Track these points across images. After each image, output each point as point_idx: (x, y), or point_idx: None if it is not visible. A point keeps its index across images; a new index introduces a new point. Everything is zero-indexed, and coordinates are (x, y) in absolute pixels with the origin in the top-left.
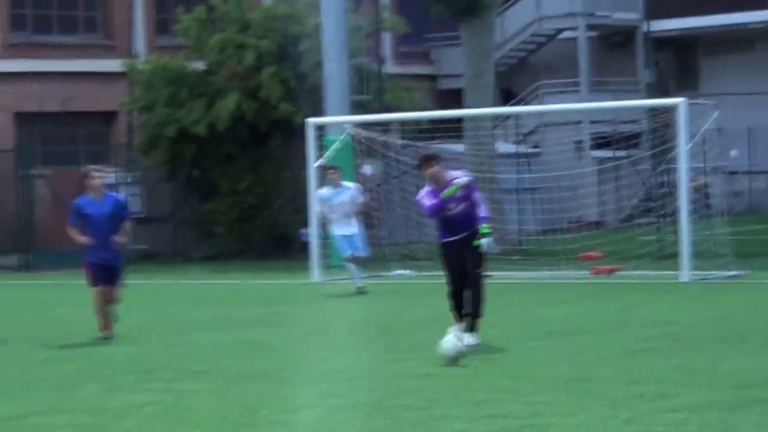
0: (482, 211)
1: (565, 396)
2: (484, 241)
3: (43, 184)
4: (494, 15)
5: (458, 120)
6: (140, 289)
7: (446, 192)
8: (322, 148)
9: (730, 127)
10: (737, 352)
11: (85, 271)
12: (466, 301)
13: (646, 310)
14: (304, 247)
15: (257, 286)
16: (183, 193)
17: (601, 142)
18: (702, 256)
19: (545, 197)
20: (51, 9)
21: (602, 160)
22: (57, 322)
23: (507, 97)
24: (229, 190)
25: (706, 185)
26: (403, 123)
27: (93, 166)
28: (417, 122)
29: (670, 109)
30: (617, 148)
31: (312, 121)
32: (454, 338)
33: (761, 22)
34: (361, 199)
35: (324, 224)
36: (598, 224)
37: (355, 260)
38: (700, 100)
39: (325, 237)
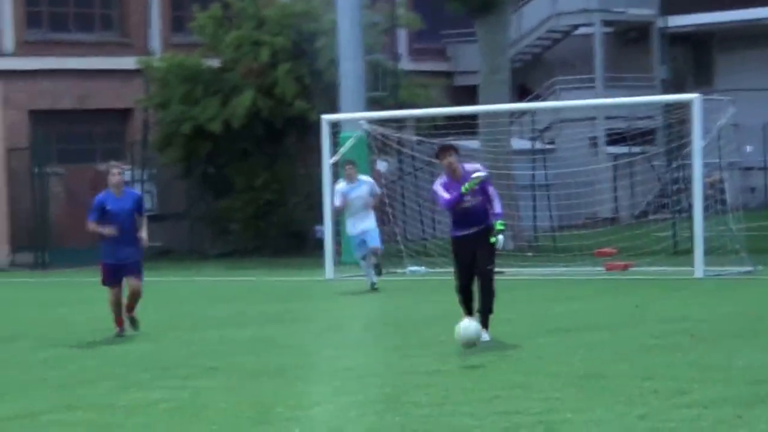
0: (497, 206)
1: (578, 392)
2: (499, 238)
3: (58, 182)
4: (510, 11)
5: (473, 116)
6: (155, 286)
7: (466, 186)
8: (336, 145)
9: (745, 123)
10: (752, 347)
11: (101, 270)
12: (476, 297)
13: (660, 306)
14: (318, 244)
15: (272, 283)
16: (198, 191)
17: (616, 138)
18: (716, 252)
19: (560, 193)
20: (67, 6)
21: (617, 156)
22: (71, 320)
23: (522, 93)
24: (244, 187)
25: (721, 181)
26: (418, 119)
27: (113, 162)
28: (432, 119)
29: (685, 105)
30: (632, 144)
31: (327, 117)
32: (470, 322)
33: None
34: (377, 191)
35: (339, 219)
36: (612, 220)
37: (371, 256)
38: (715, 96)
39: (340, 234)
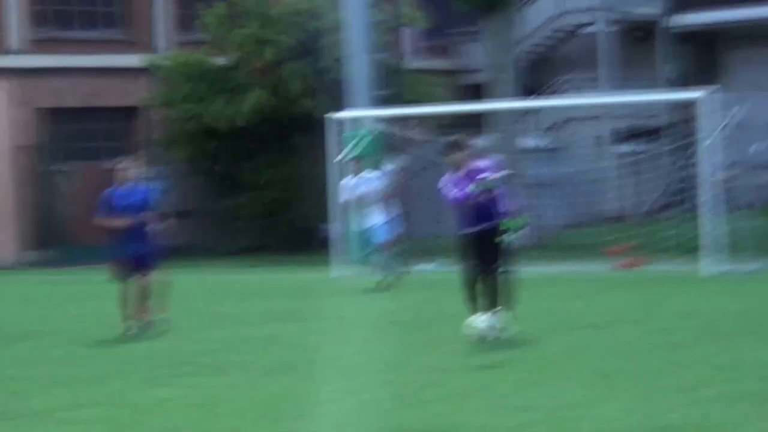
0: (508, 204)
1: (590, 389)
2: (512, 236)
3: (65, 180)
4: (516, 9)
5: (480, 114)
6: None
7: (476, 185)
8: (343, 143)
9: (752, 121)
10: (762, 344)
11: (113, 266)
12: (486, 294)
13: (669, 303)
14: (326, 241)
15: (280, 281)
16: (205, 189)
17: (623, 136)
18: (724, 249)
19: (567, 191)
20: (72, 5)
21: (624, 155)
22: (82, 318)
23: (528, 91)
24: (250, 185)
25: (728, 179)
26: (425, 118)
27: (124, 157)
28: (438, 117)
29: (691, 103)
30: (639, 142)
31: (333, 116)
32: (485, 317)
33: None
34: (389, 183)
35: (348, 216)
36: (620, 218)
37: (386, 248)
38: (721, 94)
39: (348, 231)
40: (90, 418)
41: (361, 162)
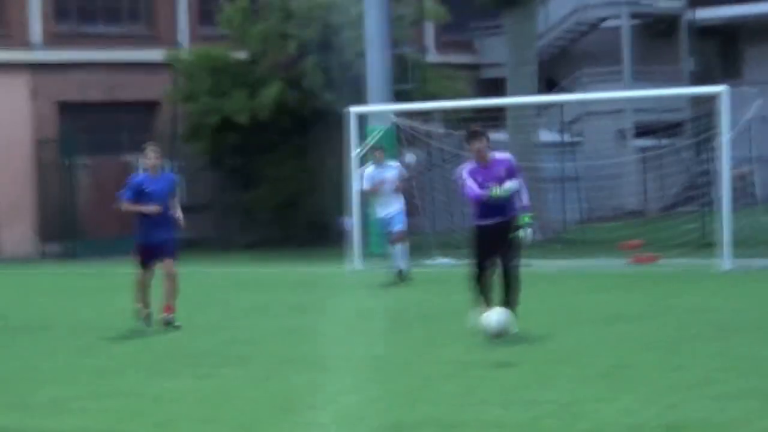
0: (523, 198)
1: (605, 383)
2: (526, 232)
3: (86, 174)
4: (537, 3)
5: (500, 109)
6: (182, 276)
7: (496, 192)
8: (363, 136)
9: None
10: None
11: (135, 252)
12: (495, 289)
13: (687, 297)
14: (344, 234)
15: (298, 274)
16: (225, 182)
17: (644, 130)
18: (743, 244)
19: (587, 186)
20: None
21: (644, 149)
22: (99, 309)
23: (549, 85)
24: (271, 178)
25: (749, 173)
26: (445, 112)
27: (149, 144)
28: (459, 111)
29: (712, 98)
30: (660, 137)
31: (354, 110)
32: (498, 312)
33: None
34: (404, 174)
35: (365, 206)
36: (639, 213)
37: (396, 239)
38: (743, 89)
39: (367, 225)
40: (106, 408)
41: (382, 151)
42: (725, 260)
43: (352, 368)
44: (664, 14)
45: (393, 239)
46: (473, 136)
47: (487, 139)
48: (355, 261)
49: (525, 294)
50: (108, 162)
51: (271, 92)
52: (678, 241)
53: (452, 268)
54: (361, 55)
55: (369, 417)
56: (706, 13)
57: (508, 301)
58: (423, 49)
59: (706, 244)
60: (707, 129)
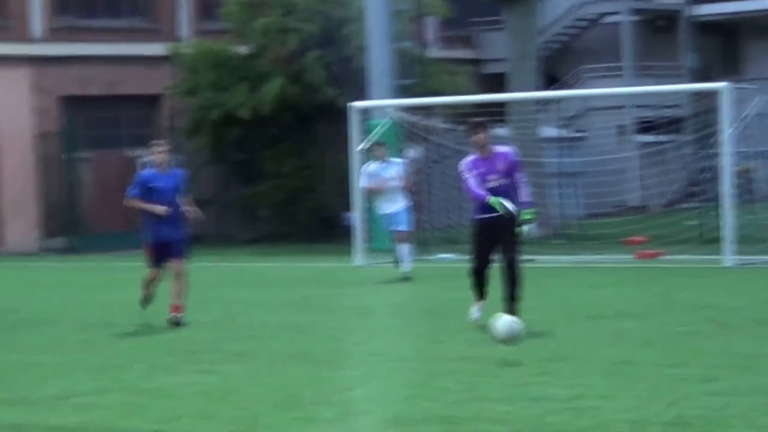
0: (524, 194)
1: (606, 379)
2: (525, 228)
3: (87, 168)
4: None
5: (501, 104)
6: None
7: (498, 203)
8: (365, 131)
9: None
10: None
11: (145, 251)
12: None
13: (689, 294)
14: (347, 230)
15: (300, 269)
16: (227, 177)
17: (645, 126)
18: (745, 240)
19: (588, 182)
20: None
21: (645, 145)
22: (101, 304)
23: (550, 81)
24: (272, 173)
25: (750, 170)
26: (446, 107)
27: (158, 140)
28: (460, 106)
29: (713, 94)
30: (660, 133)
31: (355, 104)
32: (507, 319)
33: None
34: (409, 173)
35: (368, 202)
36: (641, 209)
37: (400, 239)
38: (743, 85)
39: (369, 220)
40: (108, 403)
41: (384, 147)
42: (727, 256)
43: (354, 364)
44: (665, 10)
45: (397, 239)
46: (474, 127)
47: (489, 131)
48: (357, 256)
49: (527, 289)
50: (109, 156)
51: (272, 87)
52: (680, 237)
53: (454, 263)
54: (362, 49)
55: (371, 413)
56: (706, 9)
57: (511, 296)
58: (424, 44)
59: (708, 241)
60: (708, 125)
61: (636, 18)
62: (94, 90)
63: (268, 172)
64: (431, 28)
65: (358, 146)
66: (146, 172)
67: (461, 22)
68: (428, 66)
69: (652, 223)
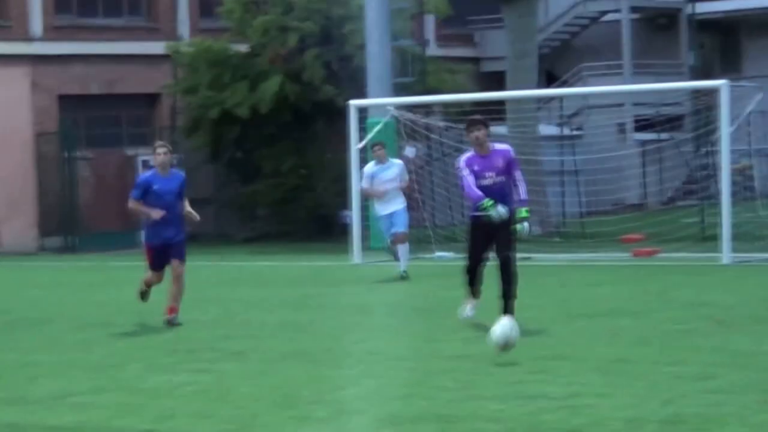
0: (522, 192)
1: (603, 377)
2: (523, 226)
3: (86, 167)
4: None
5: (501, 102)
6: None
7: (490, 208)
8: (364, 130)
9: None
10: None
11: (146, 254)
12: (500, 282)
13: (686, 291)
14: (345, 229)
15: (298, 268)
16: (225, 175)
17: (644, 124)
18: (743, 238)
19: (587, 179)
20: None
21: (645, 143)
22: (99, 304)
23: (550, 79)
24: (271, 172)
25: (749, 167)
26: (446, 105)
27: (159, 142)
28: (459, 104)
29: (713, 92)
30: (660, 131)
31: (354, 103)
32: (504, 325)
33: None
34: (406, 176)
35: (366, 203)
36: (639, 206)
37: (398, 240)
38: (743, 83)
39: (367, 219)
40: (105, 402)
41: (383, 148)
42: (725, 254)
43: (352, 362)
44: (665, 8)
45: (394, 240)
46: (472, 124)
47: (487, 128)
48: (354, 255)
49: (523, 287)
50: (108, 155)
51: (271, 85)
52: (678, 234)
53: (452, 262)
54: (361, 48)
55: (367, 411)
56: (706, 7)
57: (507, 294)
58: (423, 42)
59: (705, 238)
60: (707, 123)
61: (636, 16)
62: (93, 89)
63: (267, 170)
64: (431, 26)
65: (356, 145)
66: (146, 174)
67: (461, 20)
68: (427, 64)
69: (650, 221)
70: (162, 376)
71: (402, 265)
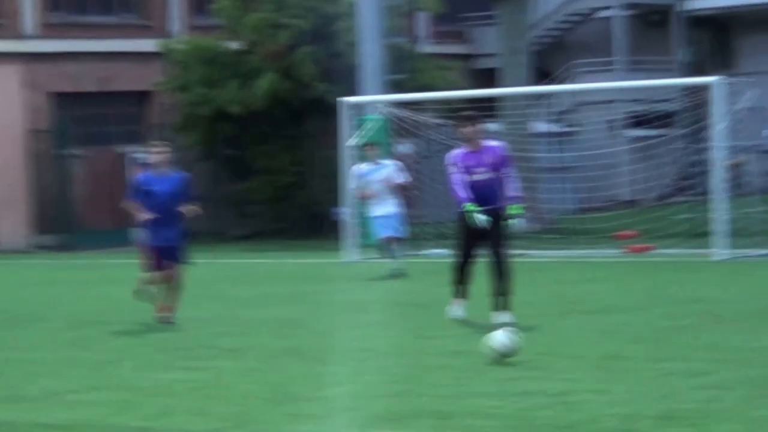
0: (512, 189)
1: (597, 373)
2: (515, 222)
3: (79, 164)
4: None
5: (493, 99)
6: None
7: (476, 212)
8: (356, 127)
9: (766, 106)
10: None
11: (146, 255)
12: (494, 279)
13: (679, 288)
14: (338, 226)
15: (292, 265)
16: (218, 173)
17: (637, 121)
18: (736, 234)
19: (580, 176)
20: None
21: (637, 139)
22: (93, 302)
23: (542, 76)
24: (264, 169)
25: (741, 164)
26: (438, 102)
27: (156, 141)
28: (452, 101)
29: (705, 88)
30: (652, 127)
31: (347, 100)
32: (500, 334)
33: None
34: (400, 178)
35: (359, 202)
36: (632, 203)
37: (392, 242)
38: (736, 79)
39: (360, 216)
40: (100, 400)
41: (375, 148)
42: (719, 250)
43: (345, 359)
44: (658, 5)
45: (388, 242)
46: (464, 120)
47: (480, 124)
48: (349, 253)
49: (518, 284)
50: (101, 152)
51: (264, 83)
52: (672, 231)
53: (445, 259)
54: (354, 45)
55: (362, 408)
56: (699, 4)
57: (501, 291)
58: (416, 40)
59: (699, 234)
60: (700, 119)
61: (628, 12)
62: (85, 86)
63: (260, 168)
64: (423, 23)
65: (348, 142)
66: (143, 175)
67: (453, 18)
68: (420, 61)
69: (643, 218)
70: (158, 374)
71: (395, 262)
